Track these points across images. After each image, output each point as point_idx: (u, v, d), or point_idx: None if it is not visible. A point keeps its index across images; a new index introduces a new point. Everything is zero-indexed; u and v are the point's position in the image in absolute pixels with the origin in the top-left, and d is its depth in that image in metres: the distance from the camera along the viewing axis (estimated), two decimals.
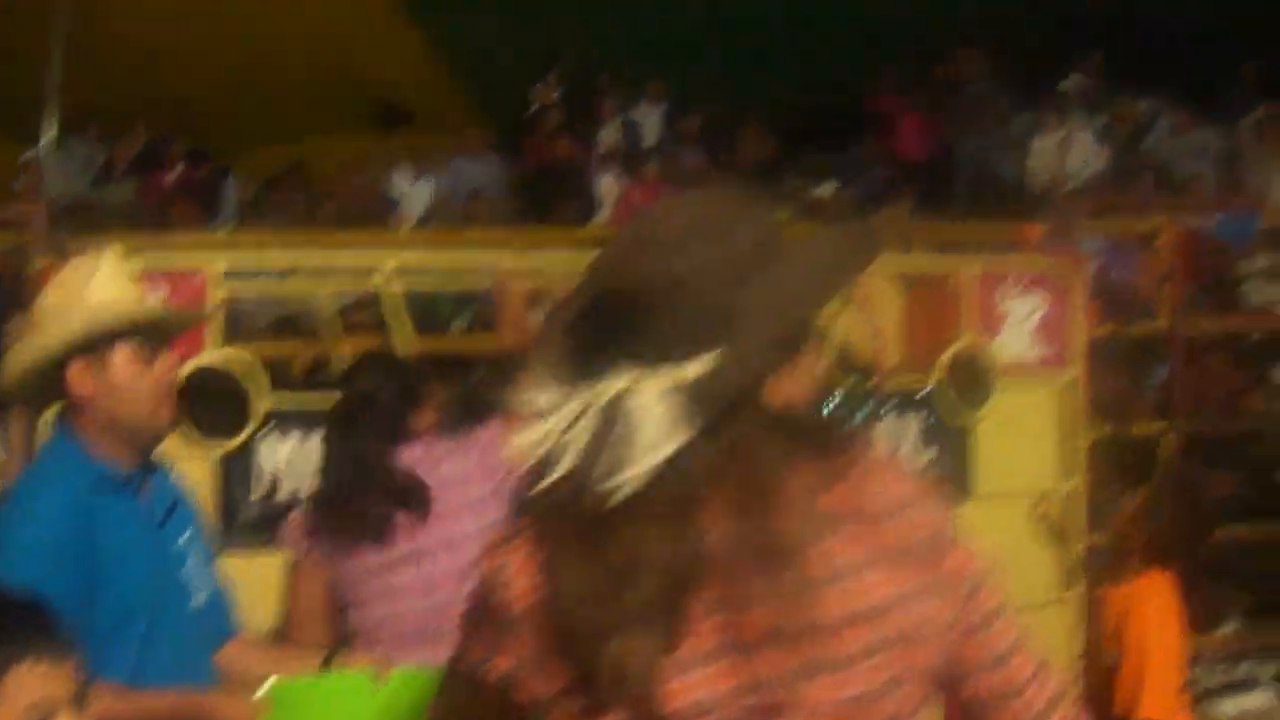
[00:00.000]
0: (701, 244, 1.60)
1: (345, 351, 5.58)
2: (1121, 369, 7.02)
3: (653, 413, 1.54)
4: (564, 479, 1.58)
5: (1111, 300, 7.66)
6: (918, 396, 5.30)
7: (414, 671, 2.92)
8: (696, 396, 1.55)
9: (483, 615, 1.67)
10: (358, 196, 11.36)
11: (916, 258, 5.98)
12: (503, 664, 1.65)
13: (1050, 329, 5.63)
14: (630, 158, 11.22)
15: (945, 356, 5.32)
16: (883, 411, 5.25)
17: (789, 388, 1.67)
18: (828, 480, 1.62)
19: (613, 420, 1.55)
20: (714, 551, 1.56)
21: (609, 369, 1.59)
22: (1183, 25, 12.10)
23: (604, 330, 1.61)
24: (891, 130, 12.07)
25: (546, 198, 10.35)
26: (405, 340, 4.80)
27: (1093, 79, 12.26)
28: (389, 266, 4.70)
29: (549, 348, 1.65)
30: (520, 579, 1.62)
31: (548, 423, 1.60)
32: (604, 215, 10.76)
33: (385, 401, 3.61)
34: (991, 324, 5.52)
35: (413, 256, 4.98)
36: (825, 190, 10.39)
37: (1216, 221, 7.24)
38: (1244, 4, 11.85)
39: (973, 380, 5.41)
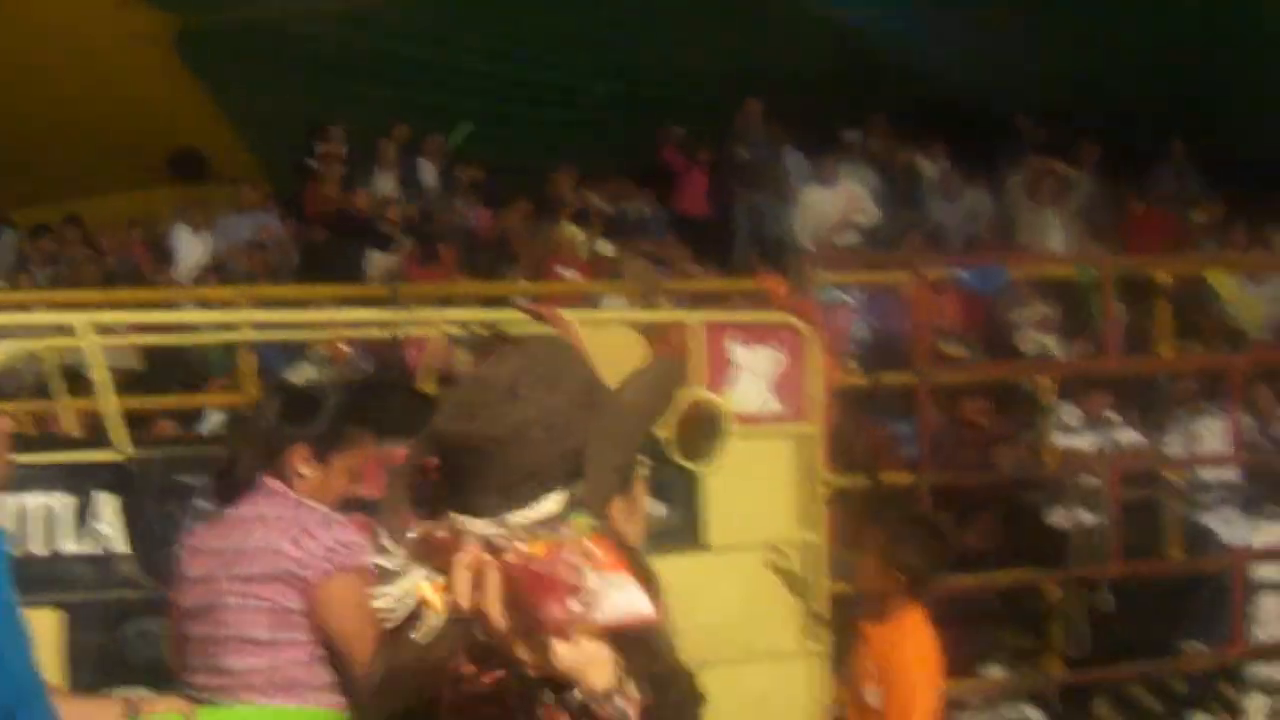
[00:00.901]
0: (538, 392, 1.73)
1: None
2: (870, 419, 7.17)
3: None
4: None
5: (867, 351, 7.85)
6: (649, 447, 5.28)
7: (222, 712, 2.91)
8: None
9: None
10: (135, 251, 11.08)
11: (646, 311, 6.02)
12: None
13: (788, 381, 5.70)
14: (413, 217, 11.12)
15: (680, 405, 5.32)
16: None
17: (625, 518, 1.96)
18: None
19: None
20: None
21: (461, 518, 1.70)
22: (965, 81, 12.56)
23: (450, 484, 1.72)
24: (677, 186, 12.21)
25: (325, 254, 10.19)
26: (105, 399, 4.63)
27: (875, 134, 12.60)
28: (81, 323, 4.55)
29: (393, 508, 1.76)
30: None
31: (396, 586, 1.72)
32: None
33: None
34: (723, 375, 5.57)
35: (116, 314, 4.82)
36: (604, 248, 10.43)
37: (968, 274, 7.45)
38: (1021, 60, 12.36)
39: (704, 431, 5.44)
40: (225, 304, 7.63)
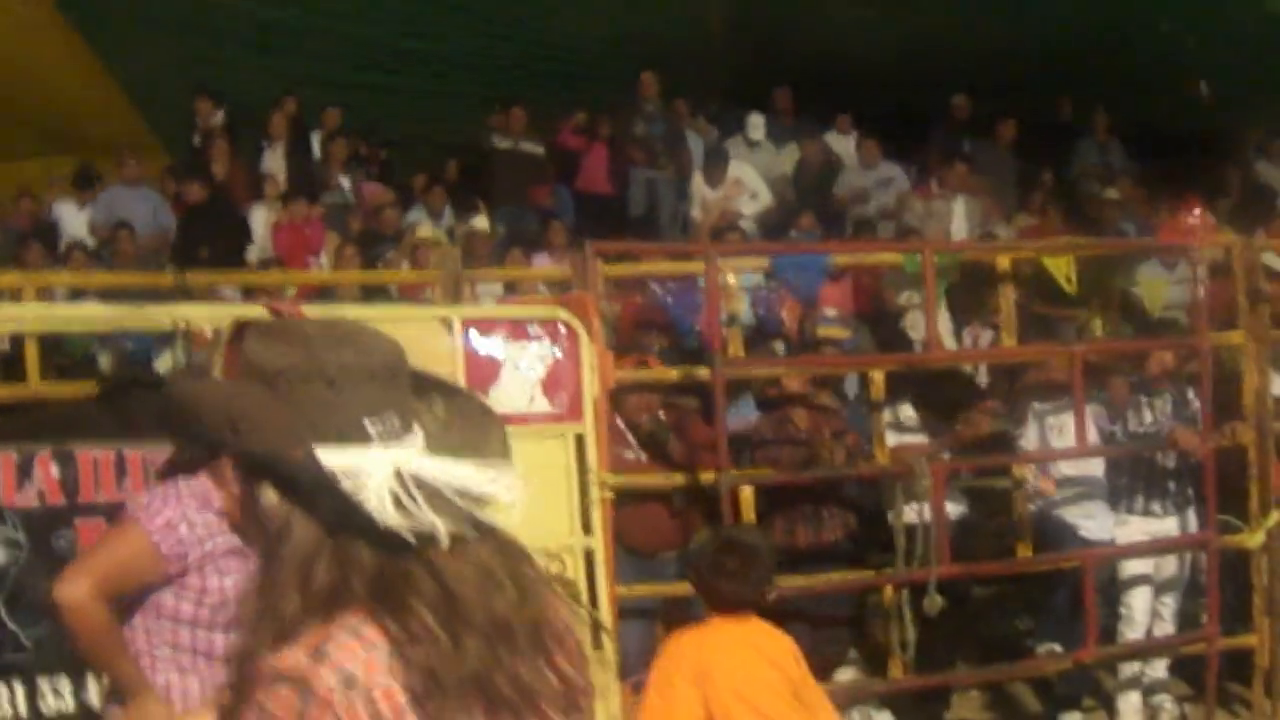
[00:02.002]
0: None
1: None
2: (702, 415, 6.94)
3: None
4: None
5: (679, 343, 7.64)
6: None
7: None
8: None
9: None
10: (21, 223, 10.87)
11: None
12: None
13: (559, 378, 5.48)
14: (296, 186, 10.89)
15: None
16: None
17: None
18: None
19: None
20: None
21: None
22: (880, 60, 12.28)
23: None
24: (579, 165, 11.95)
25: (200, 232, 9.96)
26: None
27: (781, 112, 12.34)
28: None
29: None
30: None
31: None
32: (257, 250, 10.42)
33: None
34: (488, 373, 5.35)
35: None
36: (480, 222, 10.17)
37: (776, 263, 7.22)
38: (945, 42, 12.07)
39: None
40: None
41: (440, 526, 1.73)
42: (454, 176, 12.21)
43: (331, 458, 1.71)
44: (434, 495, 1.73)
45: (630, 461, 6.84)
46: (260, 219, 10.64)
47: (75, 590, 3.45)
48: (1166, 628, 7.46)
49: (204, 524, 3.59)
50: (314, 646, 1.68)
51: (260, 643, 1.71)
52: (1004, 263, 7.28)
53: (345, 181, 11.43)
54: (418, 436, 1.79)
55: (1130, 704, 7.46)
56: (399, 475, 1.72)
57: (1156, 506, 7.39)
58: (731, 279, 7.40)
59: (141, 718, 3.51)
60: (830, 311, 8.66)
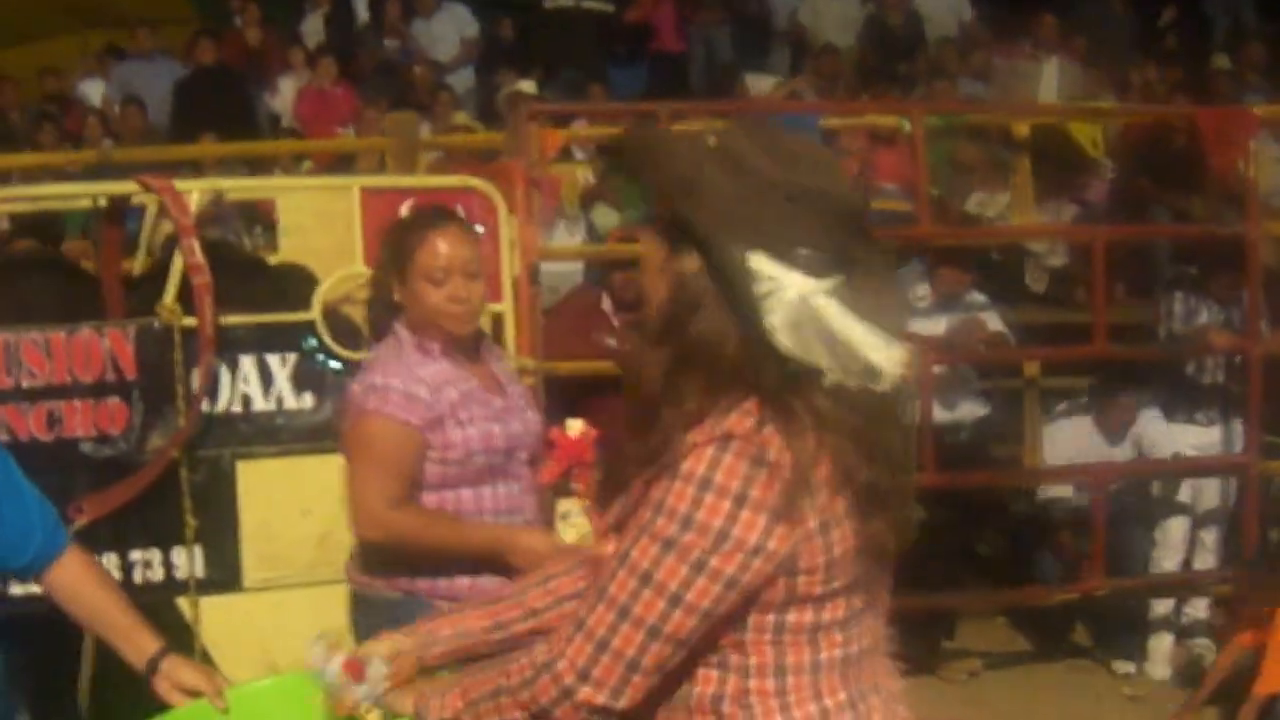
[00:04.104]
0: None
1: None
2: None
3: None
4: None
5: None
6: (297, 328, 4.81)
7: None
8: None
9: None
10: (48, 102, 10.88)
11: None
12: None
13: None
14: (332, 49, 10.65)
15: (324, 285, 4.86)
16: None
17: None
18: None
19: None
20: None
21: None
22: None
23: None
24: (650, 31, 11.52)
25: (207, 104, 9.81)
26: None
27: None
28: None
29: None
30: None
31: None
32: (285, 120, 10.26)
33: None
34: None
35: None
36: (526, 85, 9.83)
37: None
38: None
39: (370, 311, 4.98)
40: None
41: (825, 366, 1.85)
42: (510, 36, 11.86)
43: (758, 260, 1.84)
44: (828, 338, 1.84)
45: (613, 350, 6.50)
46: (289, 87, 10.44)
47: (371, 529, 3.46)
48: (1210, 560, 6.90)
49: (432, 375, 3.51)
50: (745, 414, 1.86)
51: (672, 419, 1.89)
52: (1022, 130, 6.69)
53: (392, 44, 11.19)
54: (835, 282, 1.87)
55: (1161, 648, 6.85)
56: (804, 303, 1.84)
57: (1200, 415, 6.81)
58: None
59: (525, 556, 3.36)
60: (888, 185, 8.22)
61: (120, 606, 2.77)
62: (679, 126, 7.04)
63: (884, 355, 1.86)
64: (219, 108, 9.68)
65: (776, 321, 1.83)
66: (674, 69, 11.27)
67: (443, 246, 3.55)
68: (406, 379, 3.48)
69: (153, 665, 2.68)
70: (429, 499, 3.52)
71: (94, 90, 10.93)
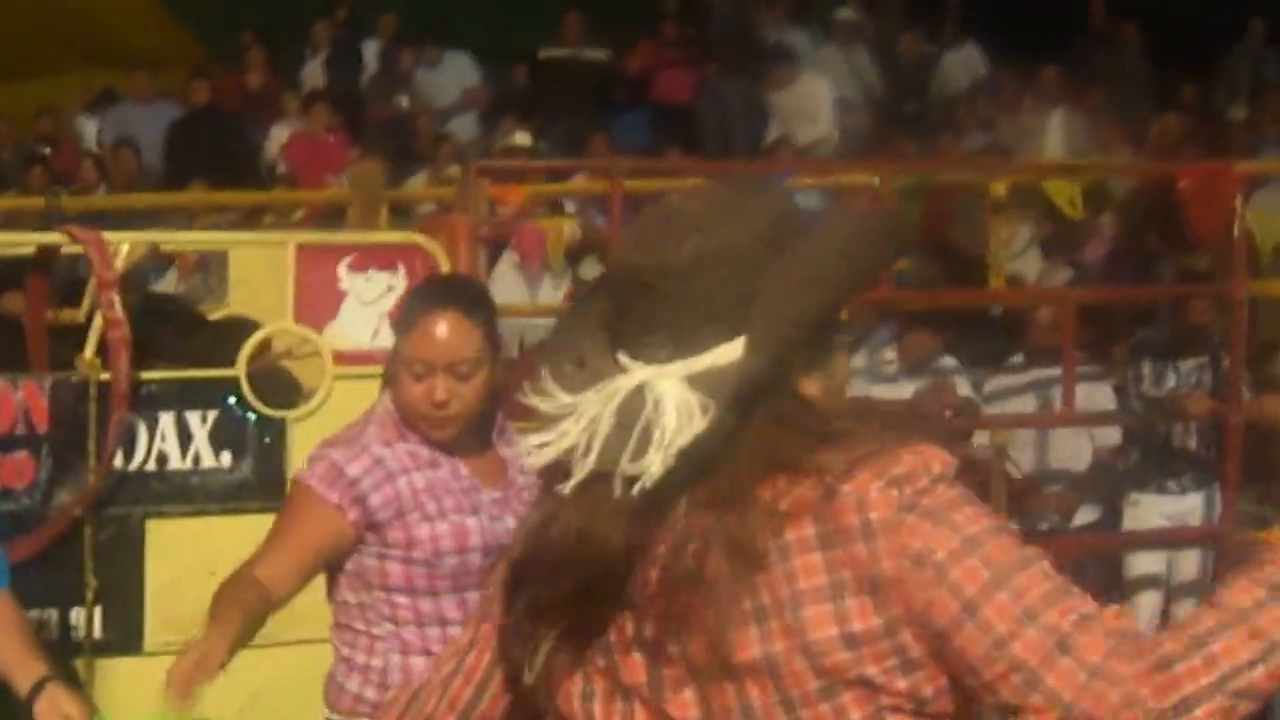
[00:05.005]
0: (719, 226, 1.65)
1: None
2: None
3: (673, 403, 1.60)
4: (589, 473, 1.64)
5: None
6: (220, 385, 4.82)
7: None
8: (717, 386, 1.60)
9: None
10: (41, 142, 11.03)
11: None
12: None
13: None
14: (328, 94, 10.74)
15: (252, 342, 4.87)
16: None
17: (818, 387, 1.70)
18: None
19: (635, 412, 1.60)
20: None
21: (628, 361, 1.66)
22: None
23: (621, 321, 1.68)
24: (652, 80, 11.56)
25: (200, 148, 9.92)
26: None
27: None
28: None
29: (564, 343, 1.74)
30: None
31: (570, 420, 1.65)
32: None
33: None
34: (328, 306, 5.08)
35: None
36: (520, 137, 9.89)
37: None
38: None
39: (297, 369, 5.00)
40: None
41: None
42: (521, 85, 11.93)
43: None
44: None
45: None
46: (283, 133, 10.53)
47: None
48: None
49: (395, 457, 3.08)
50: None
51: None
52: (999, 189, 6.64)
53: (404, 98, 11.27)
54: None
55: None
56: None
57: (1172, 483, 6.66)
58: None
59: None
60: None
61: (17, 638, 2.88)
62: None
63: None
64: (213, 152, 9.76)
65: None
66: (681, 120, 11.27)
67: (430, 337, 3.05)
68: (348, 453, 3.08)
69: (35, 691, 2.77)
70: (401, 604, 3.12)
71: (90, 131, 11.06)
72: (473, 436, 3.18)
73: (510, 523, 3.08)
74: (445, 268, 5.22)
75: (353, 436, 3.13)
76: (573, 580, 1.66)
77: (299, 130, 10.36)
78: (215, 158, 9.72)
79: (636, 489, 1.60)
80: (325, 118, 10.24)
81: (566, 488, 1.64)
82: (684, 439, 1.59)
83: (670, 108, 11.36)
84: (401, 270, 5.21)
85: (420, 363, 3.04)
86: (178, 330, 5.16)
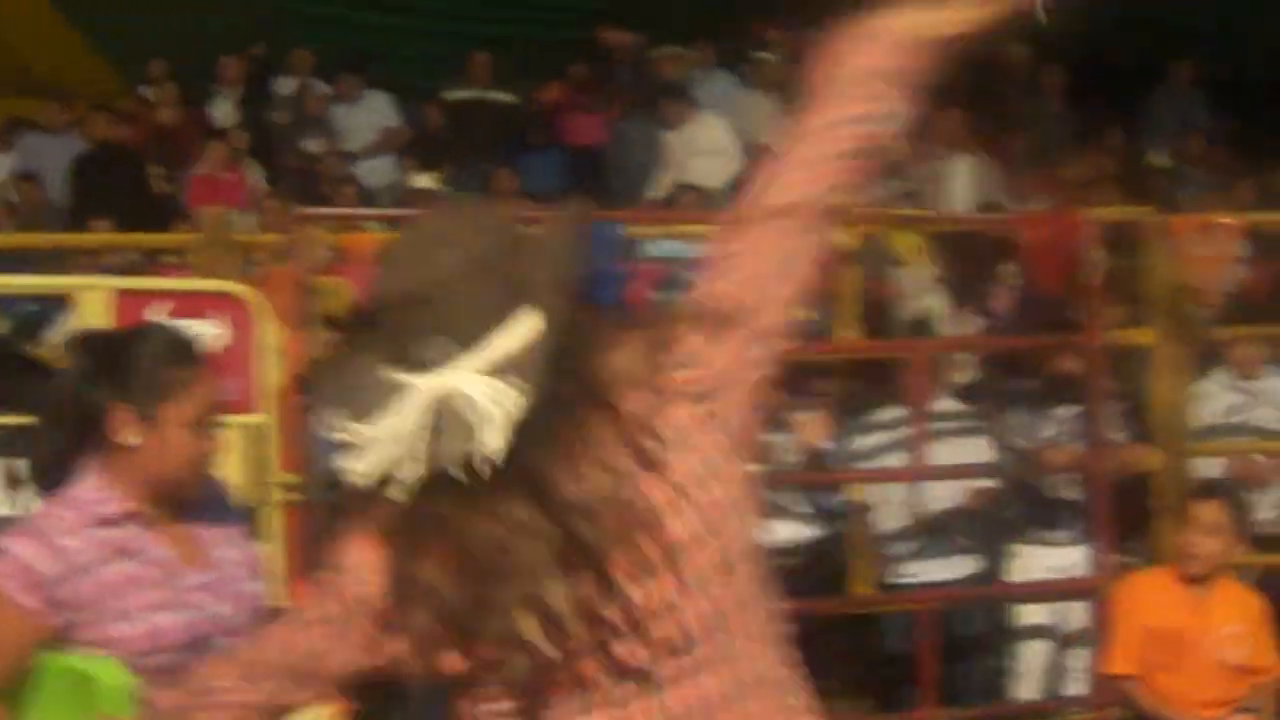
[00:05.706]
0: (464, 238, 1.88)
1: None
2: None
3: (480, 390, 1.79)
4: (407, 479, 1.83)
5: None
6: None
7: None
8: (523, 363, 1.81)
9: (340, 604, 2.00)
10: None
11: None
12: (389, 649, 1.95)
13: (230, 363, 5.10)
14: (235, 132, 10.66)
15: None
16: None
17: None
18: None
19: (452, 410, 1.79)
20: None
21: (416, 375, 1.82)
22: None
23: (398, 340, 1.85)
24: (562, 121, 11.52)
25: (104, 184, 9.81)
26: None
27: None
28: None
29: (343, 380, 1.89)
30: (376, 575, 1.93)
31: (377, 433, 1.81)
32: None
33: None
34: None
35: None
36: (424, 180, 9.84)
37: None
38: None
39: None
40: None
41: None
42: (436, 125, 11.85)
43: None
44: None
45: None
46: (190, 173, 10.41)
47: None
48: (1080, 688, 6.64)
49: (80, 549, 2.80)
50: None
51: None
52: (842, 237, 6.60)
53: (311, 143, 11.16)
54: None
55: None
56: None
57: (1054, 534, 6.58)
58: None
59: None
60: None
61: None
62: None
63: None
64: (118, 189, 9.66)
65: None
66: (592, 160, 11.20)
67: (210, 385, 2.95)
68: (36, 548, 2.79)
69: None
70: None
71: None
72: (182, 508, 2.95)
73: (216, 608, 2.89)
74: (263, 318, 5.18)
75: (37, 525, 2.85)
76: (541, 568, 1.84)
77: (203, 169, 10.25)
78: (121, 194, 9.60)
79: (486, 469, 1.79)
80: (223, 155, 10.14)
81: (399, 494, 1.84)
82: (510, 413, 1.79)
83: (581, 149, 11.31)
84: (229, 318, 5.17)
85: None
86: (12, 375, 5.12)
